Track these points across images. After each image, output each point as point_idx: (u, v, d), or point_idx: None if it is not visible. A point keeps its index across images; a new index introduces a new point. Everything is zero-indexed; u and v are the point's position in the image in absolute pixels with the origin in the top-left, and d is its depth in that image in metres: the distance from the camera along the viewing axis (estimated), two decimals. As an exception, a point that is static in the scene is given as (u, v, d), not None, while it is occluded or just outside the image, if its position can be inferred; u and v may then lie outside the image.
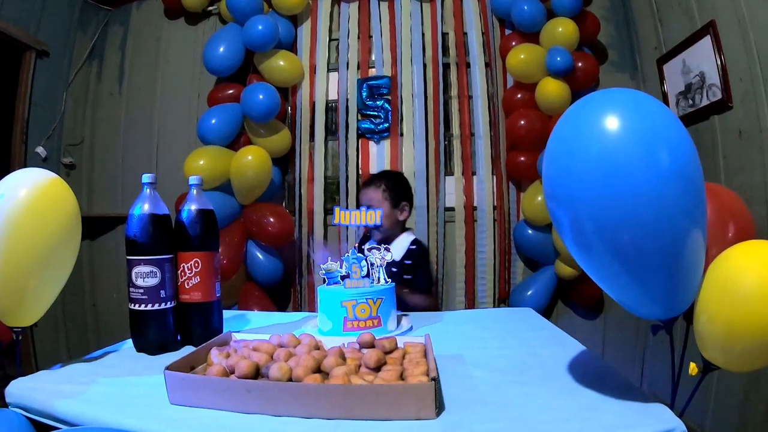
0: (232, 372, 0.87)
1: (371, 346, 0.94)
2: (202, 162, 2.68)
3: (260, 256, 2.80)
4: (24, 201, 1.09)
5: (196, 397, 0.84)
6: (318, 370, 0.85)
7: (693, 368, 0.75)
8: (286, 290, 3.03)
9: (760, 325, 0.68)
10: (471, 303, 2.91)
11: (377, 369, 0.85)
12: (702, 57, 2.24)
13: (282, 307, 2.99)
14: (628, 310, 0.78)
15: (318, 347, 0.96)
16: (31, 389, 1.00)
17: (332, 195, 3.07)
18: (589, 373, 0.96)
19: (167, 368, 0.87)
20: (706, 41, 2.19)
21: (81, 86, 3.43)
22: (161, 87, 3.41)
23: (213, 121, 2.80)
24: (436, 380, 0.74)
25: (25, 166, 2.95)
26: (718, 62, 2.12)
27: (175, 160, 3.20)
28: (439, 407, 0.79)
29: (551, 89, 2.67)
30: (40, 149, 3.08)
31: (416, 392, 0.73)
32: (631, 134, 0.70)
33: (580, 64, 2.70)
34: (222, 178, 2.70)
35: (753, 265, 0.70)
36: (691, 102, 2.36)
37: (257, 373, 0.85)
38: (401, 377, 0.84)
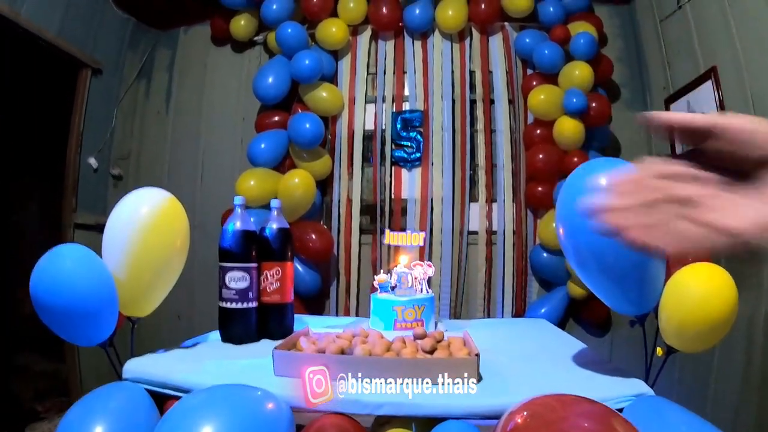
0: (322, 353, 1.16)
1: (424, 336, 1.22)
2: (252, 182, 2.89)
3: (300, 269, 2.94)
4: (148, 215, 1.31)
5: (298, 370, 1.11)
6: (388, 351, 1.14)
7: (659, 351, 1.05)
8: (319, 300, 3.17)
9: (700, 321, 0.97)
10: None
11: (431, 353, 1.14)
12: (704, 99, 2.37)
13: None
14: (613, 309, 1.08)
15: (383, 337, 1.24)
16: (148, 366, 1.22)
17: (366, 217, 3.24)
18: (586, 359, 1.25)
19: (275, 348, 1.16)
20: (708, 85, 2.33)
21: (130, 103, 3.57)
22: (207, 108, 3.55)
23: (262, 146, 3.00)
24: (478, 356, 1.03)
25: (78, 175, 3.14)
26: (718, 104, 2.25)
27: (220, 177, 3.36)
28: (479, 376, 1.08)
29: (567, 127, 2.86)
30: (92, 160, 3.23)
31: (465, 363, 1.02)
32: (614, 190, 0.98)
33: (593, 105, 2.86)
34: (269, 197, 2.68)
35: (696, 280, 0.99)
36: (694, 141, 2.55)
37: (343, 353, 1.14)
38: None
